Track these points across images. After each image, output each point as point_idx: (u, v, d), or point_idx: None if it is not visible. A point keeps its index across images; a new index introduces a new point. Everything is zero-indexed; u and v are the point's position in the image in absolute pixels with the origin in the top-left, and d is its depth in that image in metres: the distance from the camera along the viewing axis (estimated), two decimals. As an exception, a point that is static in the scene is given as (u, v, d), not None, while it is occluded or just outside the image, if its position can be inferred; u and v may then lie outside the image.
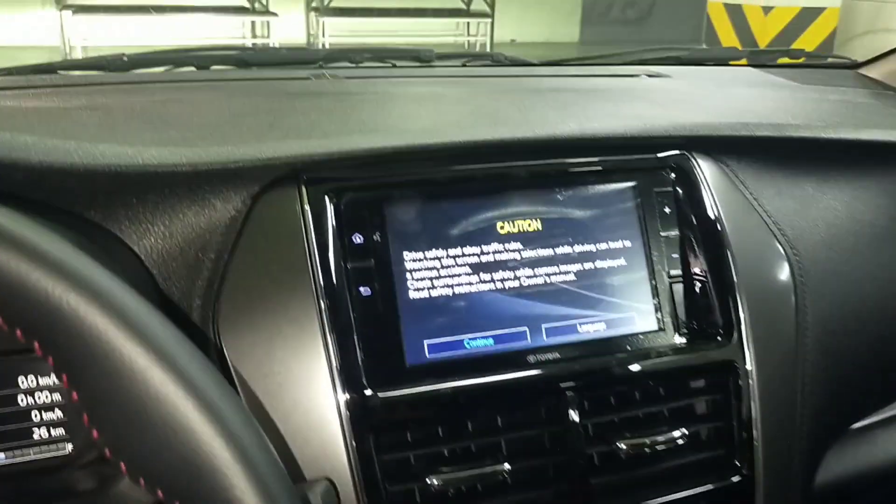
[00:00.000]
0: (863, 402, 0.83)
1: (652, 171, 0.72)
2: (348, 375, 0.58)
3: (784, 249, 0.74)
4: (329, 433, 0.57)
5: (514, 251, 0.66)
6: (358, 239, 0.62)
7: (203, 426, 0.33)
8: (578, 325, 0.67)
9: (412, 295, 0.63)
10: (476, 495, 0.62)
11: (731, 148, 0.76)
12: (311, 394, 0.57)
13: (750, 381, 0.68)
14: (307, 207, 0.61)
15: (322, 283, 0.59)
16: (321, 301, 0.58)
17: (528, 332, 0.65)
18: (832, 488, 0.79)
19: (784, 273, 0.73)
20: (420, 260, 0.63)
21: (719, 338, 0.69)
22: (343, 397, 0.57)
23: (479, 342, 0.64)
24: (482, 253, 0.65)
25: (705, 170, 0.73)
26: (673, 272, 0.70)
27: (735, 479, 0.68)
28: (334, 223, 0.61)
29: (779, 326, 0.71)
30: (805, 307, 0.73)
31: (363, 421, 0.57)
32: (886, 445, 0.84)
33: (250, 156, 0.58)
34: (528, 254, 0.66)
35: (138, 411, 0.33)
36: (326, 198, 0.61)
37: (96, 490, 0.54)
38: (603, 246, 0.69)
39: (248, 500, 0.33)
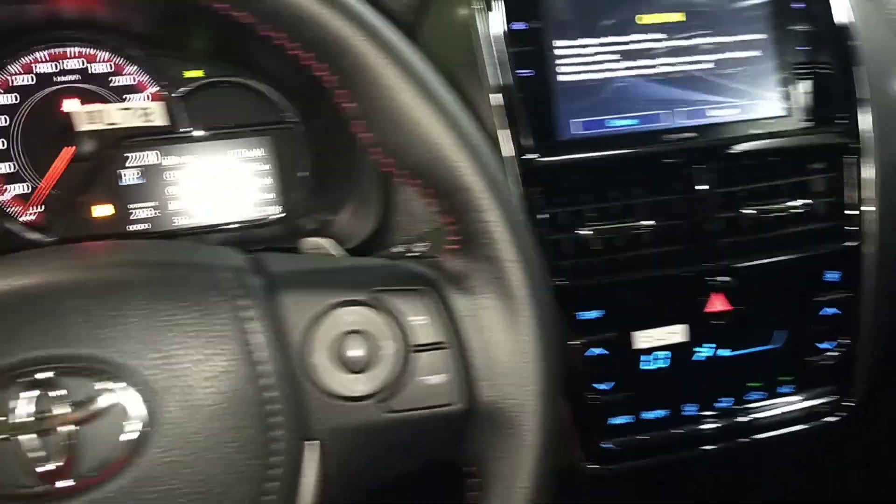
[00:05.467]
0: None
1: None
2: (519, 142, 0.67)
3: None
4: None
5: (656, 41, 0.73)
6: (519, 25, 0.70)
7: (439, 127, 0.44)
8: (711, 110, 0.74)
9: (562, 79, 0.71)
10: (616, 248, 0.71)
11: None
12: None
13: (865, 163, 0.75)
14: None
15: (496, 62, 0.68)
16: (494, 79, 0.67)
17: (664, 115, 0.73)
18: None
19: None
20: (570, 47, 0.71)
21: (839, 123, 0.75)
22: (514, 159, 0.67)
23: (620, 122, 0.72)
24: (628, 42, 0.72)
25: None
26: (801, 64, 0.75)
27: (844, 244, 0.75)
28: (503, 11, 0.69)
29: None
30: None
31: (529, 179, 0.68)
32: None
33: None
34: (670, 43, 0.73)
35: (396, 118, 0.44)
36: None
37: None
38: (739, 38, 0.74)
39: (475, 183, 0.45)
